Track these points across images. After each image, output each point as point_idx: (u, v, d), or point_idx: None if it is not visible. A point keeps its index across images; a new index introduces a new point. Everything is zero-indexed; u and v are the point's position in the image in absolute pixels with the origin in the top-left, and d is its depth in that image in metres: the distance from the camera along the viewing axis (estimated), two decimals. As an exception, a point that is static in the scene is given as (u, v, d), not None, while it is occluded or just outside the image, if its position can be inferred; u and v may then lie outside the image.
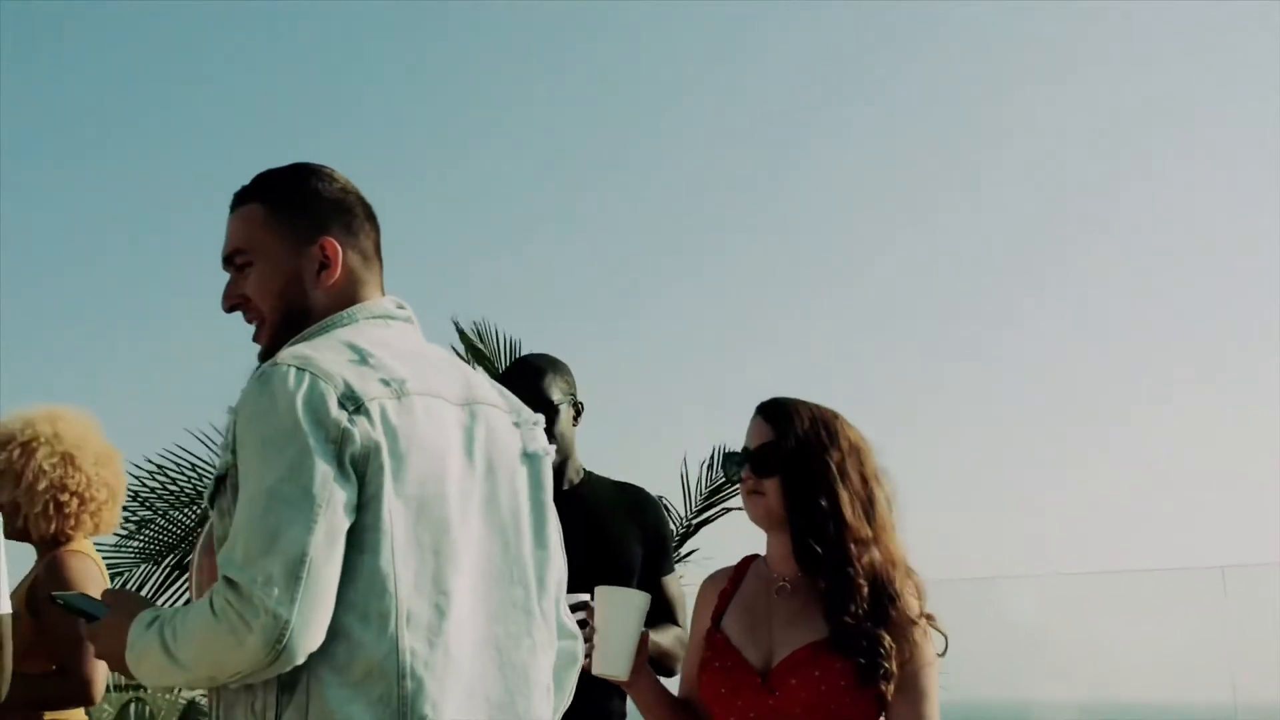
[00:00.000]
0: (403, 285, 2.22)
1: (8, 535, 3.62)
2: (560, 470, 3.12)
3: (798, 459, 2.46)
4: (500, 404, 2.12)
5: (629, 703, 2.95)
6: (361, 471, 1.84)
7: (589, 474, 3.26)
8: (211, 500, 1.94)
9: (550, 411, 3.09)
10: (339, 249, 2.08)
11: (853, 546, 2.41)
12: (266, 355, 2.07)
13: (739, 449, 2.54)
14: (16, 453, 3.55)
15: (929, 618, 2.45)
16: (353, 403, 1.86)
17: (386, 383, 1.92)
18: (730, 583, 2.60)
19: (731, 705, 2.46)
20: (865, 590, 2.39)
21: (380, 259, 2.16)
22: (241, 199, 2.14)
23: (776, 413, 2.52)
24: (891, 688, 2.37)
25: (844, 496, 2.43)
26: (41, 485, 3.52)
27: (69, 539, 3.58)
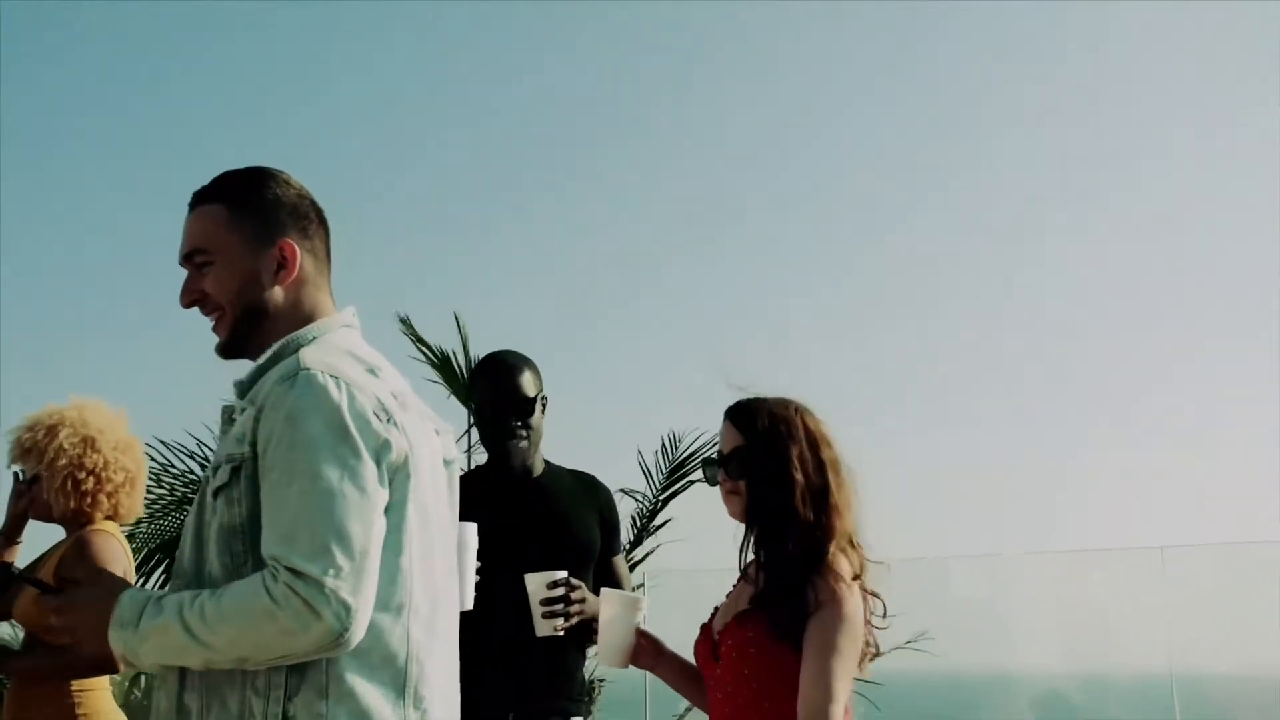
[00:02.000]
0: (350, 281, 2.34)
1: (38, 515, 3.88)
2: (530, 461, 3.37)
3: (760, 461, 2.74)
4: (430, 413, 2.25)
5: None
6: (391, 477, 2.00)
7: (548, 463, 3.48)
8: (218, 490, 2.02)
9: (528, 406, 3.30)
10: (296, 250, 2.17)
11: (796, 529, 2.67)
12: (227, 350, 2.20)
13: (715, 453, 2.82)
14: (42, 433, 3.80)
15: (858, 578, 2.67)
16: (385, 414, 2.02)
17: (394, 395, 2.08)
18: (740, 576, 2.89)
19: (702, 671, 2.82)
20: (794, 562, 2.65)
21: (329, 261, 2.26)
22: (201, 199, 2.20)
23: (741, 417, 2.80)
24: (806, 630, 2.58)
25: (797, 492, 2.70)
26: (61, 462, 3.75)
27: (89, 519, 3.79)
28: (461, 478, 2.80)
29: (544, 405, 3.39)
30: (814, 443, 2.78)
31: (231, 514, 1.99)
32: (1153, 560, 6.47)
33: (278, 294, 2.17)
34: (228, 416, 2.13)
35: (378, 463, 1.97)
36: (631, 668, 3.17)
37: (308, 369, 1.99)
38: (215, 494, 2.02)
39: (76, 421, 3.85)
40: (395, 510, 2.00)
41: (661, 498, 8.63)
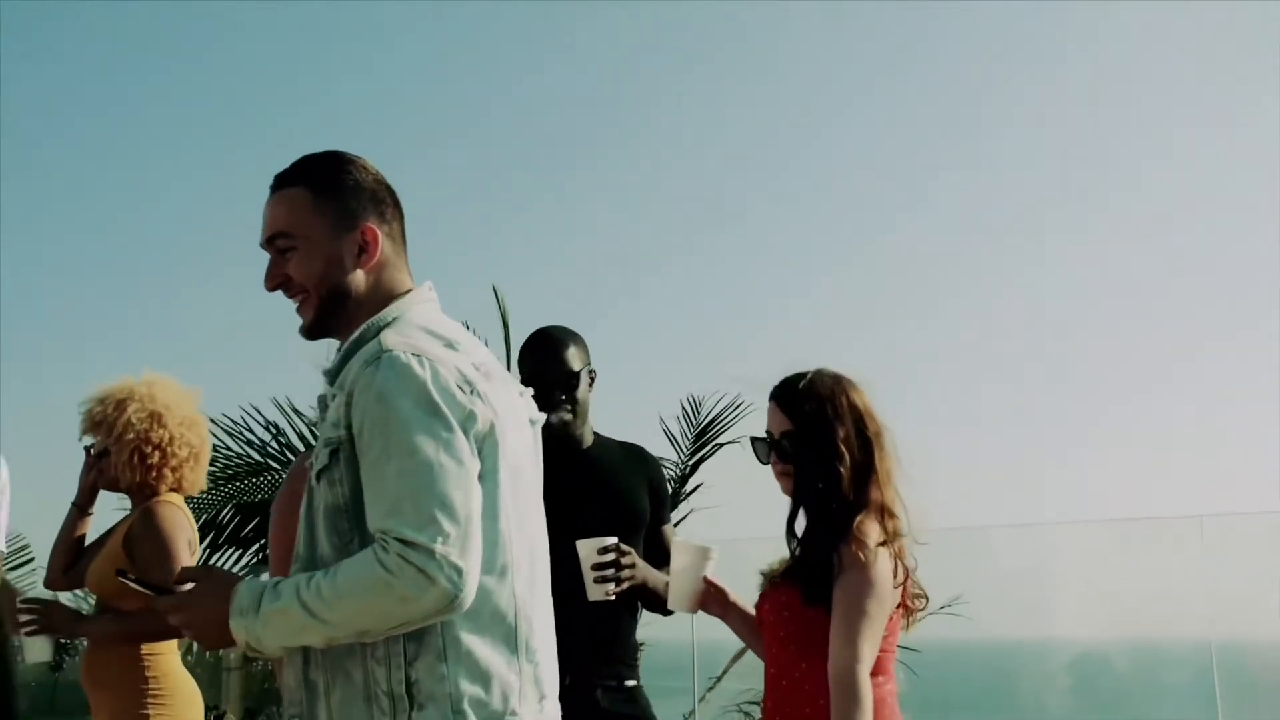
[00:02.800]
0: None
1: (106, 486, 4.02)
2: (579, 433, 3.45)
3: (809, 445, 2.86)
4: (511, 378, 2.31)
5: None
6: (480, 446, 2.06)
7: (597, 435, 3.55)
8: (320, 473, 2.10)
9: (573, 380, 3.37)
10: (377, 234, 2.22)
11: (834, 507, 2.81)
12: (311, 332, 2.26)
13: (763, 433, 2.94)
14: (111, 406, 3.94)
15: (884, 544, 2.78)
16: (469, 386, 2.07)
17: (476, 366, 2.14)
18: None
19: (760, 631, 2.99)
20: (824, 530, 2.80)
21: (405, 241, 2.31)
22: (283, 183, 2.25)
23: (788, 400, 2.91)
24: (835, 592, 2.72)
25: (842, 469, 2.82)
26: (128, 436, 3.90)
27: (154, 491, 3.93)
28: None
29: (591, 379, 3.46)
30: (858, 418, 2.88)
31: (334, 494, 2.07)
32: (1192, 529, 6.50)
33: (359, 277, 2.22)
34: (323, 404, 2.20)
35: (466, 433, 2.03)
36: (681, 633, 3.32)
37: (390, 350, 2.05)
38: (317, 477, 2.10)
39: (145, 397, 3.97)
40: (488, 478, 2.07)
41: (690, 463, 8.73)
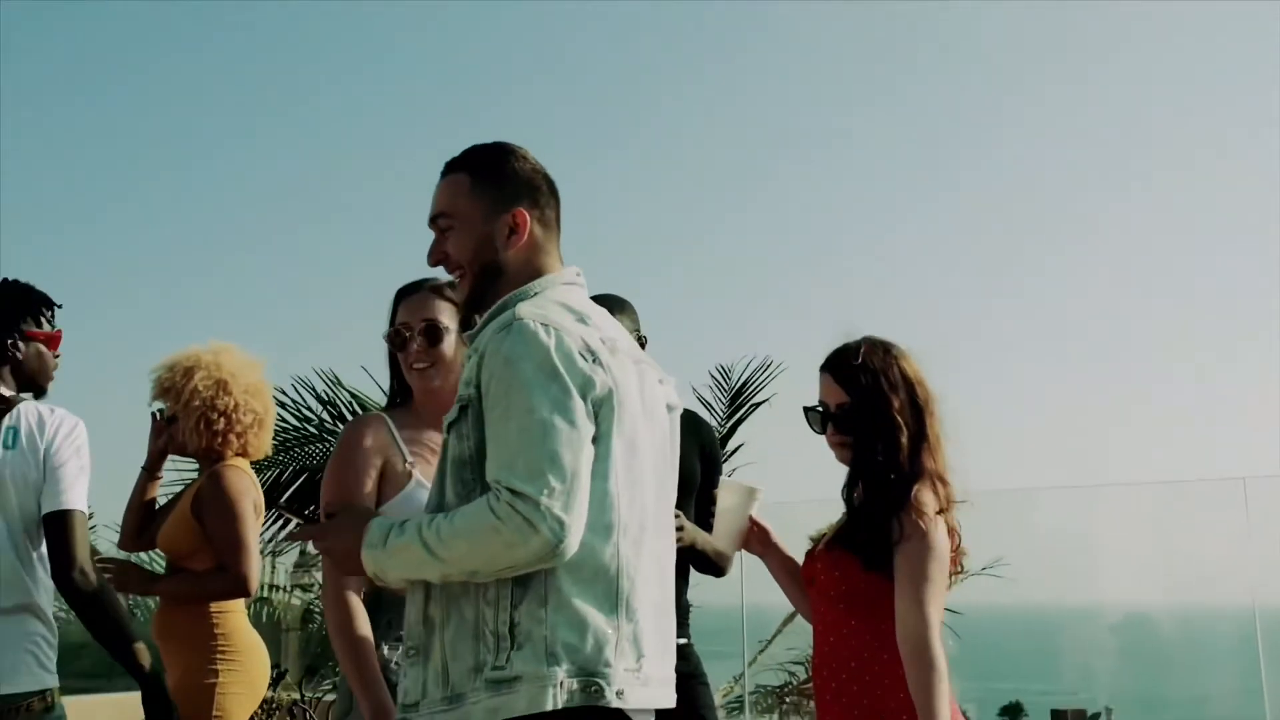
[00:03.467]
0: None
1: (175, 450, 4.16)
2: None
3: (867, 416, 2.94)
4: (652, 363, 2.48)
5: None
6: (597, 411, 2.22)
7: None
8: (449, 426, 2.29)
9: None
10: (527, 218, 2.41)
11: (891, 475, 2.90)
12: (467, 305, 2.46)
13: (816, 404, 3.03)
14: (180, 374, 4.09)
15: (942, 512, 2.88)
16: (591, 355, 2.24)
17: (603, 340, 2.30)
18: None
19: (807, 592, 3.10)
20: (882, 498, 2.89)
21: (559, 227, 2.49)
22: (450, 169, 2.47)
23: (842, 372, 2.99)
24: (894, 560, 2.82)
25: (900, 439, 2.91)
26: (195, 403, 4.04)
27: (220, 455, 4.07)
28: None
29: (642, 344, 3.55)
30: (910, 387, 2.97)
31: (461, 447, 2.26)
32: (1235, 491, 6.52)
33: (509, 256, 2.41)
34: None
35: (583, 397, 2.19)
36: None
37: (520, 319, 2.23)
38: (448, 430, 2.29)
39: (211, 365, 4.11)
40: (602, 441, 2.22)
41: (728, 426, 8.87)
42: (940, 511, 2.90)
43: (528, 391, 2.16)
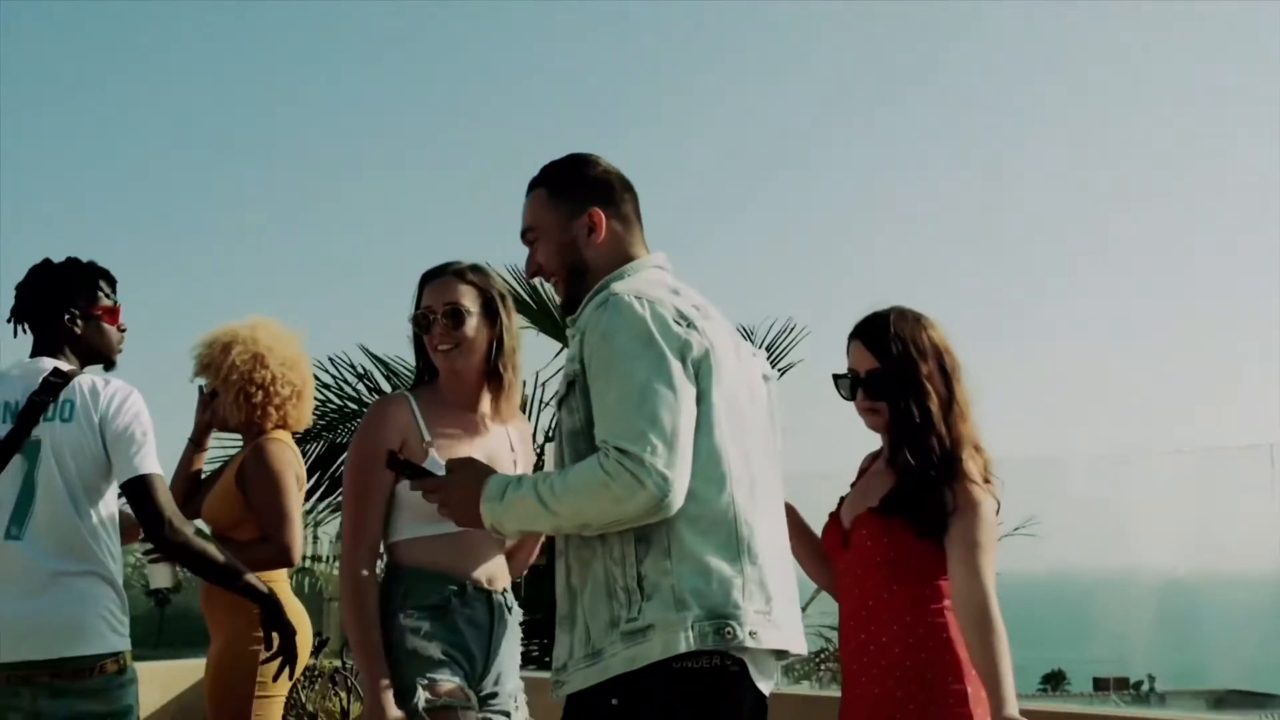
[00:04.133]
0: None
1: (216, 425, 4.24)
2: None
3: (897, 382, 3.00)
4: (737, 335, 2.64)
5: None
6: (696, 372, 2.38)
7: None
8: (560, 401, 2.47)
9: None
10: (602, 216, 2.60)
11: (934, 442, 2.97)
12: (566, 305, 2.65)
13: (845, 371, 3.09)
14: (218, 350, 4.16)
15: (989, 481, 2.97)
16: (685, 320, 2.41)
17: (695, 308, 2.48)
18: (868, 463, 3.21)
19: (830, 558, 3.15)
20: (934, 470, 2.95)
21: (640, 221, 2.68)
22: (531, 186, 2.68)
23: (873, 339, 3.05)
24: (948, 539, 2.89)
25: (932, 405, 2.98)
26: (233, 377, 4.11)
27: (261, 428, 4.14)
28: None
29: None
30: (939, 355, 3.04)
31: (573, 420, 2.44)
32: (1262, 458, 6.52)
33: (593, 254, 2.60)
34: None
35: (682, 360, 2.36)
36: None
37: (616, 294, 2.42)
38: (559, 405, 2.49)
39: (248, 340, 4.17)
40: (704, 399, 2.39)
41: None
42: (986, 481, 2.98)
43: (626, 360, 2.34)
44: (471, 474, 2.49)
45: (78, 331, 3.34)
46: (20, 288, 3.40)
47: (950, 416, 3.00)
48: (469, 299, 3.08)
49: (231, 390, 4.13)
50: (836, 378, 3.12)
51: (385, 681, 2.83)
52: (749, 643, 2.33)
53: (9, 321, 3.38)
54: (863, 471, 3.22)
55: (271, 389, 4.15)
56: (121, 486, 3.19)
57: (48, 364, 3.26)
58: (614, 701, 2.32)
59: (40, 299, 3.35)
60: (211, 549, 3.27)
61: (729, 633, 2.31)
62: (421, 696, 2.82)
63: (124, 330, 3.47)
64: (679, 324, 2.39)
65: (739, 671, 2.36)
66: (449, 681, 2.87)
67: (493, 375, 3.13)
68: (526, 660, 7.97)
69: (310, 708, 6.27)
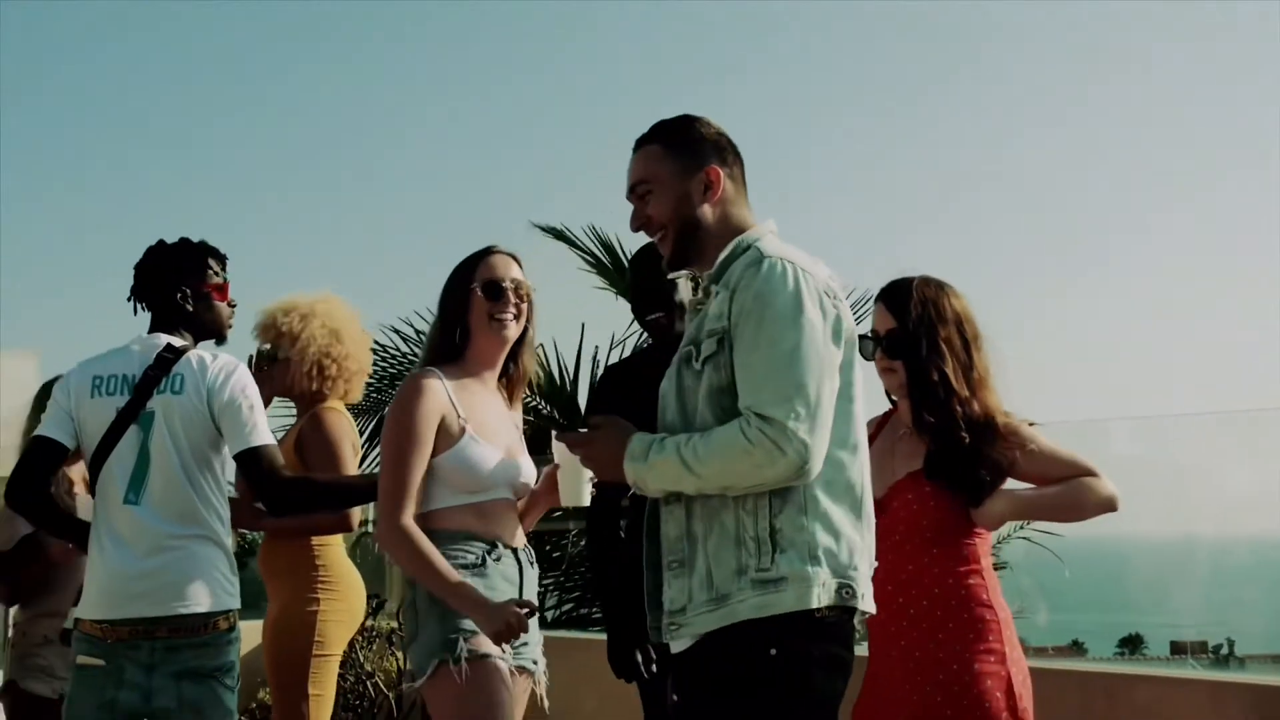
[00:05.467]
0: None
1: (278, 391, 4.33)
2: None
3: (916, 342, 3.06)
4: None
5: None
6: (839, 342, 2.44)
7: None
8: (707, 359, 2.46)
9: (668, 286, 3.67)
10: (719, 174, 2.60)
11: (957, 406, 3.04)
12: (671, 263, 2.65)
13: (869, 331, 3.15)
14: (296, 320, 4.29)
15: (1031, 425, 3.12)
16: (831, 293, 2.47)
17: (831, 278, 2.52)
18: (874, 430, 3.26)
19: None
20: (963, 431, 3.02)
21: (746, 185, 2.66)
22: (641, 142, 2.67)
23: (895, 301, 3.12)
24: (998, 490, 3.04)
25: (949, 367, 3.04)
26: (312, 348, 4.25)
27: (322, 399, 4.28)
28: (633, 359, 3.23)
29: (697, 284, 3.76)
30: (959, 321, 3.10)
31: (719, 377, 2.45)
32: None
33: (707, 211, 2.59)
34: (694, 307, 2.63)
35: (830, 330, 2.41)
36: None
37: (769, 257, 2.45)
38: (704, 362, 2.47)
39: (325, 314, 4.31)
40: (846, 369, 2.46)
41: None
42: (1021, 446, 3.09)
43: (777, 324, 2.37)
44: (616, 431, 2.54)
45: (190, 309, 3.53)
46: (137, 268, 3.58)
47: (971, 382, 3.06)
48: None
49: (309, 361, 4.25)
50: (861, 339, 3.21)
51: (480, 596, 2.95)
52: (862, 605, 2.44)
53: (129, 300, 3.57)
54: (871, 438, 3.28)
55: (344, 363, 4.30)
56: (235, 459, 3.39)
57: (163, 339, 3.46)
58: (773, 651, 2.36)
59: (154, 279, 3.54)
60: (322, 491, 3.59)
61: (848, 593, 2.40)
62: (463, 649, 2.94)
63: (234, 306, 3.65)
64: (827, 296, 2.44)
65: (852, 629, 2.48)
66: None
67: (510, 360, 3.27)
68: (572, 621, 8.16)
69: (368, 667, 6.43)
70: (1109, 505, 3.13)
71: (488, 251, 3.23)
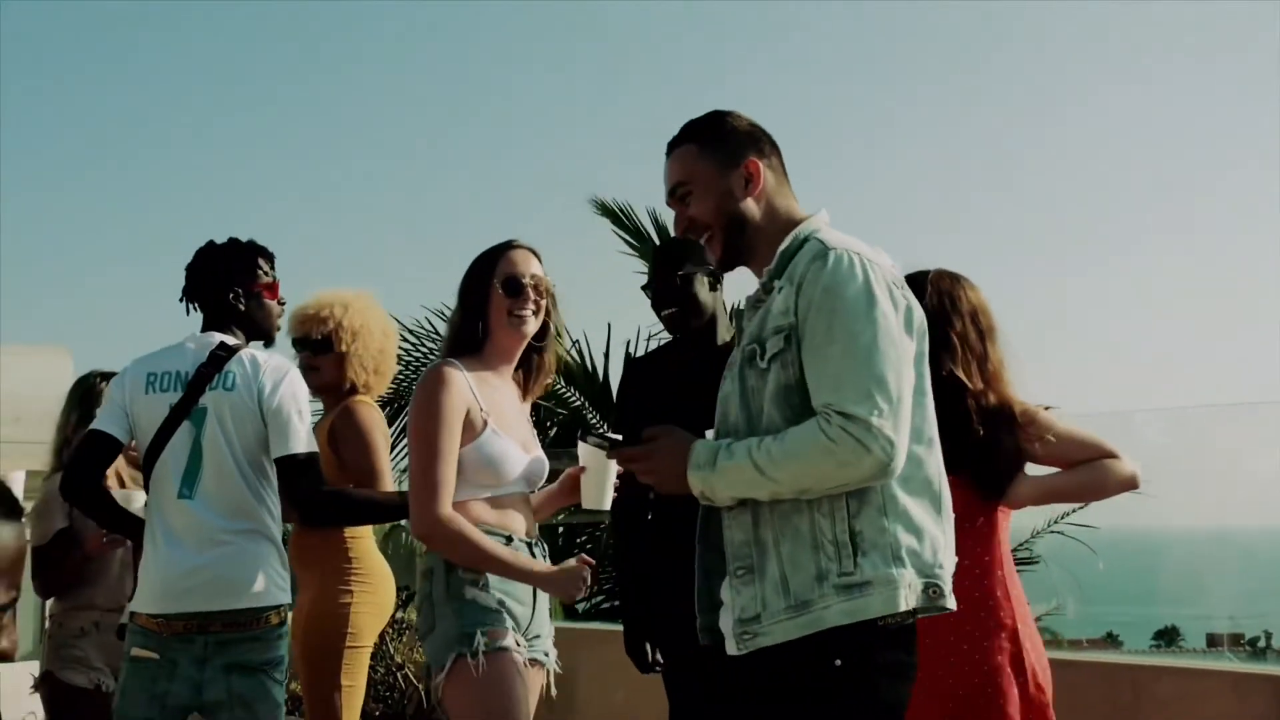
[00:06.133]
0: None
1: (327, 383, 4.28)
2: (710, 331, 3.76)
3: (930, 333, 3.09)
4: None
5: None
6: (911, 334, 2.37)
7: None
8: (774, 357, 2.37)
9: (682, 281, 3.70)
10: (759, 165, 2.52)
11: (970, 400, 3.06)
12: (723, 264, 2.57)
13: None
14: (355, 315, 4.30)
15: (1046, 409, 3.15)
16: (898, 283, 2.40)
17: (892, 268, 2.45)
18: None
19: None
20: (977, 425, 3.04)
21: (787, 175, 2.59)
22: (674, 144, 2.59)
23: (912, 292, 3.14)
24: (1020, 475, 3.09)
25: (961, 359, 3.07)
26: (373, 345, 4.28)
27: (355, 392, 4.28)
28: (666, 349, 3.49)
29: (716, 280, 3.77)
30: (974, 314, 3.13)
31: (787, 375, 2.36)
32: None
33: (751, 205, 2.52)
34: (752, 303, 2.51)
35: (903, 322, 2.35)
36: None
37: (834, 249, 2.37)
38: (770, 360, 2.38)
39: (359, 309, 4.33)
40: (919, 361, 2.39)
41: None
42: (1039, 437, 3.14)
43: (851, 318, 2.29)
44: (675, 442, 2.44)
45: (241, 308, 3.61)
46: (188, 269, 3.65)
47: (986, 374, 3.08)
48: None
49: (353, 354, 4.26)
50: None
51: (545, 566, 3.02)
52: (946, 603, 2.37)
53: (180, 301, 3.65)
54: None
55: (379, 356, 4.33)
56: (275, 463, 3.45)
57: (215, 338, 3.54)
58: (837, 662, 2.29)
59: (206, 279, 3.62)
60: (355, 511, 3.65)
61: (934, 592, 2.33)
62: (480, 641, 2.96)
63: (283, 304, 3.73)
64: (896, 286, 2.38)
65: (914, 632, 2.41)
66: (505, 630, 3.02)
67: (528, 356, 3.28)
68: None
69: (398, 659, 6.49)
70: (1130, 484, 3.17)
71: (508, 246, 3.23)
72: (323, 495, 3.46)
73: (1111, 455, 3.13)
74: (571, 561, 3.04)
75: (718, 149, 2.52)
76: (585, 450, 3.04)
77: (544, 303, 3.21)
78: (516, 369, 3.29)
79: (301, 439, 3.43)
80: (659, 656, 3.69)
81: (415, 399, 3.13)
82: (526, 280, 3.17)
